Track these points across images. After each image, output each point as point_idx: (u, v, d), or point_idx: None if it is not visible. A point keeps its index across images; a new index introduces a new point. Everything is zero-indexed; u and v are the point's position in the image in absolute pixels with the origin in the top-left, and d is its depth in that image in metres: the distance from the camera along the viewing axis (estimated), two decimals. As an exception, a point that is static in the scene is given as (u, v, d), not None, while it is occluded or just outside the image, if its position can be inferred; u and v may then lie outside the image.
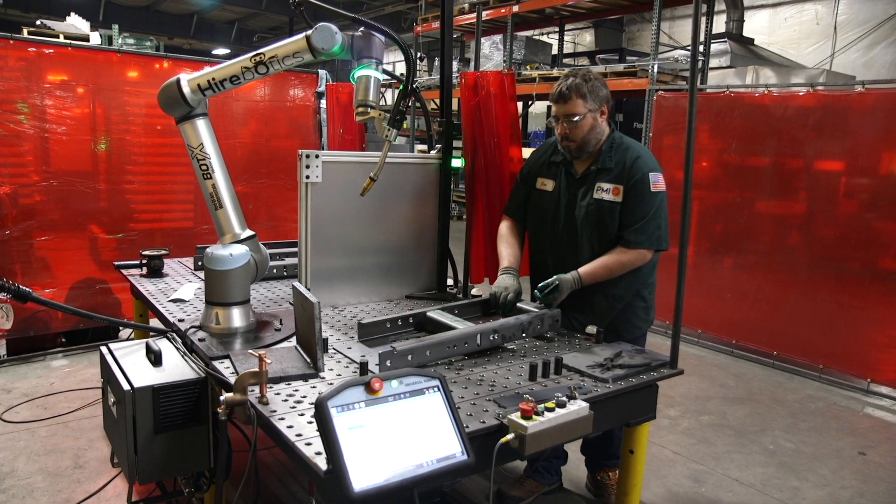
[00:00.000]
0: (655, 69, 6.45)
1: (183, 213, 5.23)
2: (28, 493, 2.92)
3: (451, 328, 2.25)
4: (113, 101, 4.75)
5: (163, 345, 2.21)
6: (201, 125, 2.42)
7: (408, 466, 1.38)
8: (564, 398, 1.64)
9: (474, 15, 8.45)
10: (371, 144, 4.90)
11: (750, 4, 11.86)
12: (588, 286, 2.54)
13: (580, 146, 2.55)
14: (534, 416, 1.57)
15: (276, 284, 3.18)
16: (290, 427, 1.59)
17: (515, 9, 8.97)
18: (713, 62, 8.32)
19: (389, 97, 11.43)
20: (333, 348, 2.17)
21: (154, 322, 2.90)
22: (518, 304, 2.53)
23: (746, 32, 10.48)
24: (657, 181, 2.51)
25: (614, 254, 2.52)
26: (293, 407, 1.71)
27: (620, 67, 7.71)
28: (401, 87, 2.64)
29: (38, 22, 6.71)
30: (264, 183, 5.50)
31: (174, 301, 2.78)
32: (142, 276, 3.26)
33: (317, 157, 2.59)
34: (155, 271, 3.27)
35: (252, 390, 1.73)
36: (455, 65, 10.22)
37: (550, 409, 1.60)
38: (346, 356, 2.11)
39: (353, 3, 16.12)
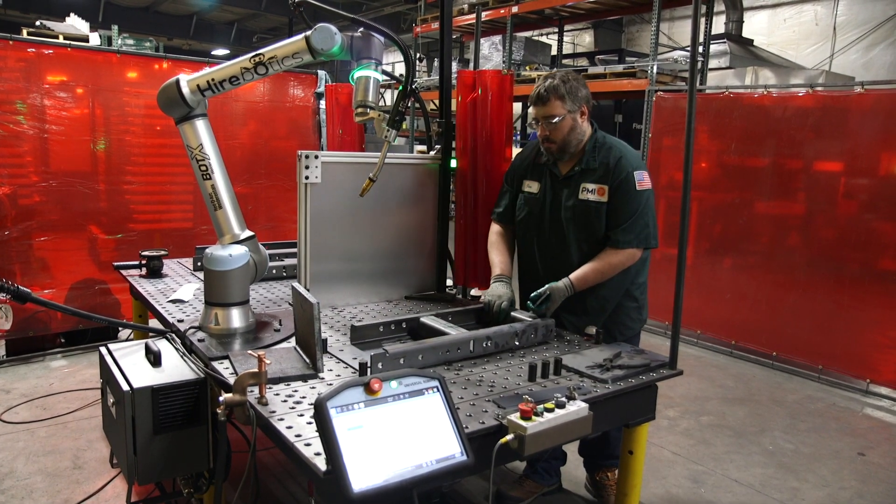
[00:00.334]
0: (655, 70, 6.45)
1: (182, 214, 5.23)
2: (27, 494, 2.92)
3: (443, 334, 2.25)
4: (112, 102, 4.75)
5: (162, 345, 2.21)
6: (201, 126, 2.42)
7: (407, 467, 1.38)
8: (564, 399, 1.64)
9: (474, 16, 8.46)
10: (370, 145, 4.90)
11: (749, 5, 11.86)
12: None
13: (561, 147, 2.55)
14: (533, 417, 1.57)
15: (276, 285, 3.18)
16: (289, 427, 1.59)
17: (515, 10, 8.96)
18: (712, 63, 8.32)
19: (389, 98, 11.44)
20: (328, 351, 2.17)
21: (153, 322, 2.90)
22: (512, 313, 2.50)
23: (746, 33, 10.49)
24: (642, 179, 2.50)
25: (604, 256, 2.51)
26: (292, 407, 1.71)
27: (620, 68, 7.71)
28: (400, 87, 2.64)
29: (37, 22, 6.70)
30: (263, 183, 5.50)
31: (173, 301, 2.77)
32: (141, 276, 3.26)
33: (316, 157, 2.59)
34: (154, 272, 3.27)
35: (251, 391, 1.73)
36: (454, 65, 10.23)
37: (550, 410, 1.60)
38: (340, 358, 2.11)
39: (352, 3, 16.12)
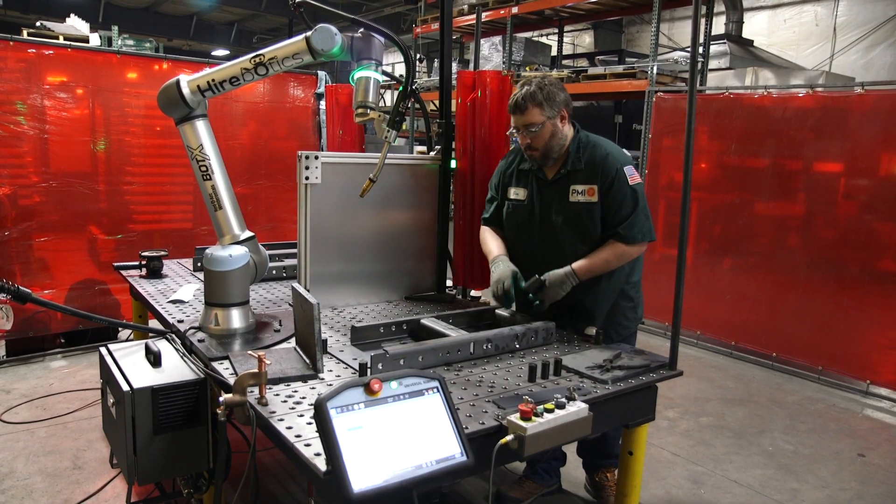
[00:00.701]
0: (655, 70, 6.45)
1: (182, 215, 5.23)
2: (27, 494, 2.92)
3: (443, 336, 2.25)
4: (112, 103, 4.75)
5: (162, 346, 2.21)
6: (201, 126, 2.42)
7: (407, 467, 1.38)
8: (564, 399, 1.64)
9: (474, 16, 8.46)
10: (370, 146, 4.91)
11: (749, 6, 11.86)
12: (573, 289, 2.52)
13: (544, 154, 2.53)
14: (533, 418, 1.57)
15: (276, 285, 3.18)
16: (289, 428, 1.59)
17: (515, 10, 8.97)
18: (712, 63, 8.32)
19: (389, 98, 11.44)
20: (328, 352, 2.17)
21: (153, 323, 2.90)
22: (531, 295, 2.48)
23: (746, 34, 10.48)
24: (632, 174, 2.49)
25: (613, 248, 2.49)
26: (292, 408, 1.71)
27: (620, 69, 7.71)
28: (400, 88, 2.64)
29: (37, 23, 6.72)
30: (264, 184, 5.51)
31: (173, 302, 2.78)
32: (141, 276, 3.26)
33: (316, 158, 2.59)
34: (154, 272, 3.28)
35: (251, 391, 1.73)
36: (454, 66, 10.24)
37: (550, 411, 1.60)
38: (340, 359, 2.11)
39: (352, 4, 16.12)
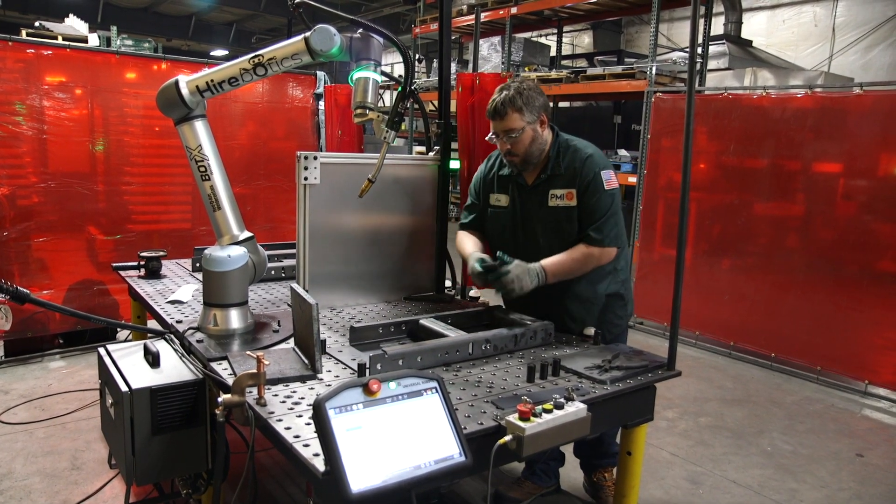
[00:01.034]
0: (654, 71, 6.46)
1: (181, 215, 5.23)
2: (25, 495, 2.92)
3: (442, 336, 2.25)
4: (111, 103, 4.75)
5: (161, 346, 2.21)
6: (200, 127, 2.42)
7: (405, 468, 1.38)
8: (562, 400, 1.64)
9: (473, 17, 8.46)
10: (369, 146, 4.91)
11: (748, 6, 11.87)
12: (566, 292, 2.50)
13: (524, 160, 2.50)
14: (531, 418, 1.57)
15: (275, 286, 3.18)
16: (287, 428, 1.59)
17: (514, 10, 8.98)
18: (711, 64, 8.33)
19: (388, 99, 11.45)
20: (327, 352, 2.17)
21: (152, 323, 2.90)
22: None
23: (745, 34, 10.50)
24: (609, 178, 2.47)
25: (580, 248, 2.46)
26: (291, 408, 1.71)
27: (619, 69, 7.72)
28: (399, 88, 2.64)
29: (36, 23, 6.72)
30: (262, 184, 5.51)
31: (172, 302, 2.77)
32: (140, 277, 3.25)
33: (315, 158, 2.59)
34: (153, 273, 3.27)
35: (250, 392, 1.73)
36: (454, 66, 10.24)
37: (548, 411, 1.60)
38: (339, 360, 2.11)
39: (351, 4, 16.13)
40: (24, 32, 6.33)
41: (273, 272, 3.25)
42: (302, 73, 5.61)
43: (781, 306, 5.00)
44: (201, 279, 2.43)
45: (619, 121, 10.42)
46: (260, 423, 1.65)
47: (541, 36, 12.49)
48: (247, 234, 2.47)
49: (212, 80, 2.38)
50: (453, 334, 2.27)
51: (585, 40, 15.98)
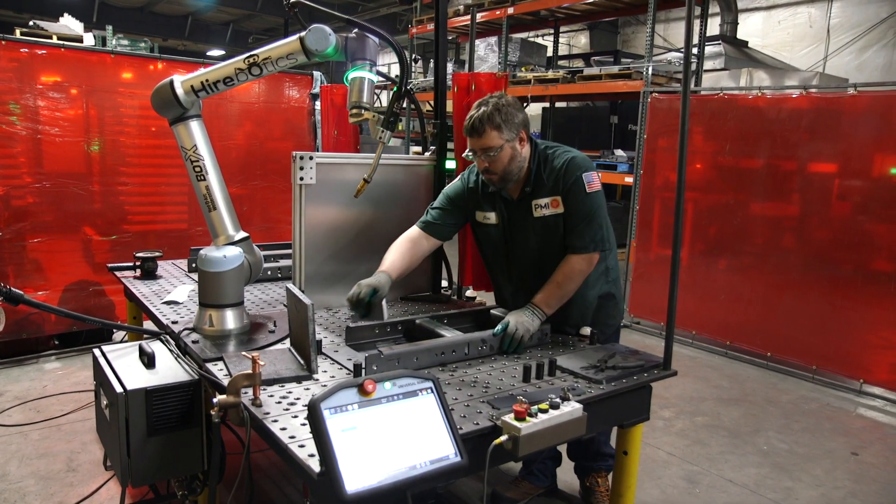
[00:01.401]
0: (650, 71, 6.47)
1: (177, 215, 5.21)
2: (20, 497, 2.90)
3: (438, 336, 2.24)
4: (107, 103, 4.73)
5: (156, 347, 2.20)
6: (195, 127, 2.42)
7: (401, 468, 1.38)
8: (558, 399, 1.65)
9: (469, 17, 8.47)
10: (366, 146, 4.90)
11: (744, 7, 11.89)
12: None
13: (503, 178, 2.40)
14: (527, 418, 1.57)
15: (270, 286, 3.17)
16: (283, 429, 1.58)
17: (510, 11, 8.97)
18: (707, 64, 8.33)
19: (385, 99, 11.43)
20: (323, 353, 2.17)
21: (148, 324, 2.89)
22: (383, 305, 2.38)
23: (740, 35, 10.51)
24: (592, 181, 2.39)
25: (563, 267, 2.40)
26: (286, 409, 1.71)
27: (615, 69, 7.73)
28: (395, 88, 2.64)
29: (30, 23, 6.68)
30: (259, 184, 5.50)
31: (168, 303, 2.77)
32: (135, 278, 3.25)
33: (311, 158, 2.59)
34: (148, 273, 3.27)
35: (245, 392, 1.72)
36: (450, 66, 10.23)
37: (544, 411, 1.61)
38: (335, 360, 2.10)
39: (348, 4, 16.11)
40: (18, 31, 6.29)
41: (269, 272, 3.25)
42: (298, 73, 5.61)
43: (777, 306, 5.02)
44: (197, 280, 2.42)
45: (615, 121, 10.42)
46: (255, 424, 1.65)
47: (537, 36, 12.49)
48: (242, 234, 2.46)
49: (207, 80, 2.38)
50: (449, 334, 2.27)
51: (582, 41, 15.99)
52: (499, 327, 2.24)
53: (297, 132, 5.72)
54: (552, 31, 11.25)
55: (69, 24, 6.56)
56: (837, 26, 11.40)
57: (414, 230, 2.63)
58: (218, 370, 1.98)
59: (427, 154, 3.06)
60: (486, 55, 9.98)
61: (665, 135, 5.76)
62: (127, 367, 2.07)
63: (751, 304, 5.18)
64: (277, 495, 2.96)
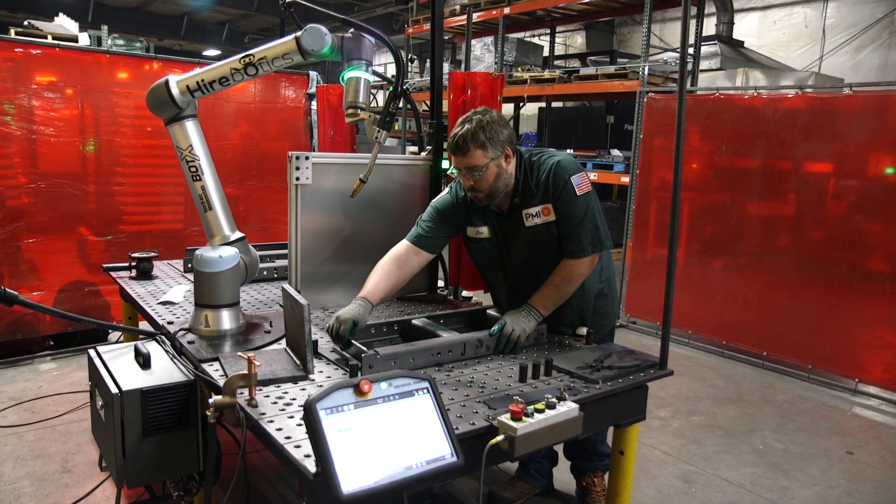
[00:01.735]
0: (646, 71, 6.48)
1: (173, 215, 5.20)
2: (15, 499, 2.89)
3: (435, 336, 2.24)
4: (102, 103, 4.72)
5: (152, 347, 2.20)
6: (190, 127, 2.41)
7: (397, 468, 1.38)
8: (554, 399, 1.65)
9: (465, 17, 8.48)
10: (362, 146, 4.90)
11: (740, 7, 11.92)
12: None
13: (489, 195, 2.36)
14: (523, 418, 1.57)
15: (266, 286, 3.17)
16: (279, 430, 1.58)
17: (507, 11, 8.98)
18: (703, 64, 8.35)
19: (381, 99, 11.44)
20: (319, 353, 2.16)
21: (143, 325, 2.88)
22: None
23: (736, 35, 10.54)
24: (581, 183, 2.35)
25: (562, 269, 2.38)
26: (282, 409, 1.70)
27: (611, 69, 7.74)
28: (391, 88, 2.64)
29: (25, 22, 6.65)
30: (255, 184, 5.49)
31: (163, 303, 2.76)
32: (131, 278, 3.24)
33: (307, 158, 2.58)
34: (144, 273, 3.26)
35: (241, 393, 1.72)
36: (446, 66, 10.22)
37: (540, 411, 1.61)
38: (331, 360, 2.10)
39: (344, 4, 16.10)
40: (12, 31, 6.27)
41: (265, 273, 3.25)
42: (294, 73, 5.60)
43: (773, 305, 5.03)
44: (193, 280, 2.42)
45: (611, 121, 10.44)
46: (251, 425, 1.65)
47: (534, 36, 12.50)
48: (238, 234, 2.46)
49: (202, 80, 2.37)
50: (446, 334, 2.27)
51: (578, 41, 16.01)
52: (495, 327, 2.24)
53: (293, 132, 5.71)
54: (548, 31, 11.26)
55: (64, 23, 6.53)
56: (833, 26, 11.44)
57: (403, 245, 2.56)
58: (214, 371, 1.98)
59: (423, 154, 3.06)
60: (483, 55, 9.99)
61: (661, 135, 5.77)
62: (122, 367, 2.07)
63: (747, 303, 5.19)
64: (273, 496, 2.96)
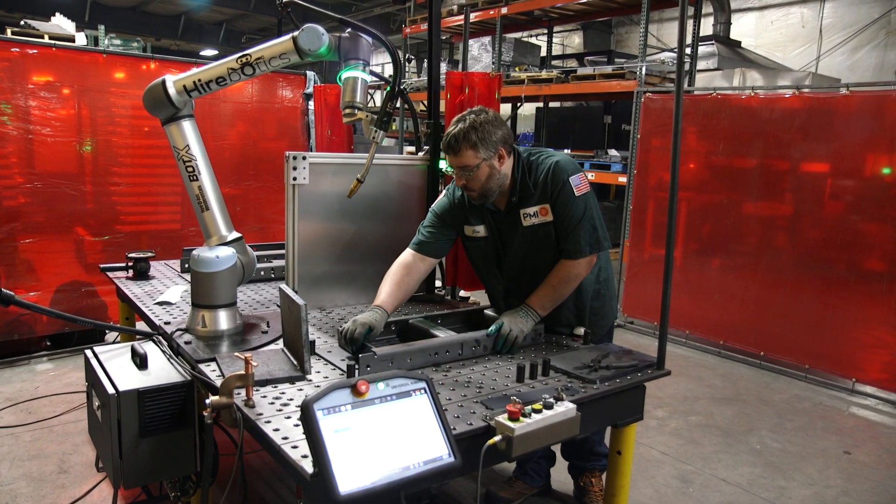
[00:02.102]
0: (643, 71, 6.48)
1: (170, 216, 5.19)
2: (11, 499, 2.88)
3: (432, 336, 2.24)
4: (99, 103, 4.71)
5: (148, 348, 2.19)
6: (187, 127, 2.41)
7: (394, 469, 1.37)
8: (552, 399, 1.65)
9: (463, 17, 8.47)
10: (359, 146, 4.89)
11: (737, 7, 11.94)
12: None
13: (483, 195, 2.36)
14: (521, 418, 1.57)
15: (264, 286, 3.16)
16: (276, 430, 1.58)
17: (504, 11, 8.98)
18: (700, 64, 8.36)
19: (379, 99, 11.42)
20: (316, 353, 2.16)
21: (140, 325, 2.87)
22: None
23: (734, 35, 10.55)
24: (579, 184, 2.35)
25: (559, 269, 2.38)
26: (280, 410, 1.70)
27: (609, 69, 7.74)
28: (388, 88, 2.64)
29: (22, 22, 6.63)
30: (252, 185, 5.48)
31: (160, 304, 2.76)
32: (128, 278, 3.23)
33: (304, 158, 2.58)
34: (141, 274, 3.25)
35: (238, 393, 1.72)
36: (444, 66, 10.24)
37: (538, 411, 1.61)
38: (328, 360, 2.10)
39: (341, 4, 16.09)
40: (9, 31, 6.25)
41: (262, 273, 3.24)
42: (292, 73, 5.59)
43: (770, 305, 5.04)
44: (190, 280, 2.41)
45: (609, 121, 10.45)
46: (248, 425, 1.65)
47: (531, 36, 12.50)
48: (235, 234, 2.46)
49: (199, 80, 2.37)
50: (443, 334, 2.26)
51: (576, 41, 16.02)
52: (492, 328, 2.24)
53: (290, 132, 5.70)
54: (546, 31, 11.25)
55: (61, 23, 6.51)
56: (830, 27, 11.46)
57: (408, 254, 2.54)
58: (211, 371, 1.97)
59: (421, 154, 3.06)
60: (480, 55, 9.98)
61: (659, 134, 5.78)
62: (119, 368, 2.06)
63: (744, 303, 5.20)
64: (271, 496, 2.96)
